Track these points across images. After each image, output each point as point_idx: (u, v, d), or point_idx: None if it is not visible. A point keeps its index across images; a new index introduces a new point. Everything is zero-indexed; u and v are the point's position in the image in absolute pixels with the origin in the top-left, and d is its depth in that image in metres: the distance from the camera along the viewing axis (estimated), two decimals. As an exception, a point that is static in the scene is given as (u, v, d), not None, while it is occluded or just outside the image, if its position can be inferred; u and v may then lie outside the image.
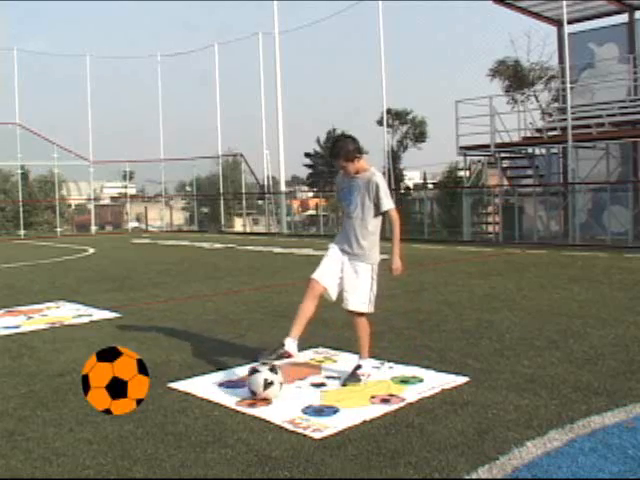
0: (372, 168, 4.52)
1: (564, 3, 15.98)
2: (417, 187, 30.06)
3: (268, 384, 4.01)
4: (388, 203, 4.40)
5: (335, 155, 4.43)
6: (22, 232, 25.13)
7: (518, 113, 18.86)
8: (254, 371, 4.08)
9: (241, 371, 4.73)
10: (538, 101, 21.17)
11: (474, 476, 2.90)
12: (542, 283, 8.86)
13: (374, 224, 4.46)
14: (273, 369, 4.08)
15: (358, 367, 4.48)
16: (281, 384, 4.10)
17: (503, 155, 18.06)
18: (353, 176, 4.47)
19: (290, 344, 4.26)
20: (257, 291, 8.89)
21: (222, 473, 3.03)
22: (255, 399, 4.05)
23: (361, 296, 4.41)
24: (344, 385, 4.34)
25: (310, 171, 45.33)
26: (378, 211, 4.43)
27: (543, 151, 18.58)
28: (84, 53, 27.12)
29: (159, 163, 27.89)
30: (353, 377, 4.41)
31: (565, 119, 15.99)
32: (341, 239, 4.54)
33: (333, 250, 4.51)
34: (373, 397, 4.07)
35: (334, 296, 4.45)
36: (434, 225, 20.21)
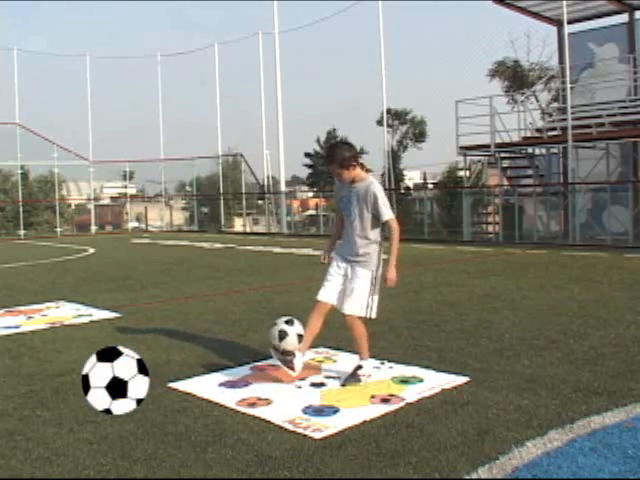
0: (370, 177, 4.48)
1: (564, 3, 15.97)
2: (417, 187, 30.04)
3: (283, 335, 4.33)
4: (387, 214, 4.38)
5: (330, 160, 4.40)
6: (22, 232, 25.12)
7: (518, 113, 18.83)
8: (272, 325, 4.39)
9: (241, 371, 4.74)
10: (538, 101, 21.15)
11: (474, 476, 2.90)
12: (542, 283, 8.86)
13: (374, 233, 4.46)
14: (289, 322, 4.39)
15: (359, 367, 4.48)
16: (299, 335, 4.37)
17: (503, 155, 18.03)
18: (351, 185, 4.45)
19: (298, 357, 4.45)
20: (257, 291, 8.89)
21: (222, 473, 3.03)
22: (278, 352, 4.36)
23: (358, 300, 4.40)
24: (344, 385, 4.34)
25: (310, 171, 45.27)
26: (378, 221, 4.43)
27: (543, 151, 18.57)
28: (84, 53, 27.19)
29: (159, 163, 27.89)
30: (353, 378, 4.40)
31: (565, 119, 15.99)
32: (342, 247, 4.58)
33: (334, 264, 4.56)
34: (373, 397, 4.07)
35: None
36: (434, 225, 20.16)
